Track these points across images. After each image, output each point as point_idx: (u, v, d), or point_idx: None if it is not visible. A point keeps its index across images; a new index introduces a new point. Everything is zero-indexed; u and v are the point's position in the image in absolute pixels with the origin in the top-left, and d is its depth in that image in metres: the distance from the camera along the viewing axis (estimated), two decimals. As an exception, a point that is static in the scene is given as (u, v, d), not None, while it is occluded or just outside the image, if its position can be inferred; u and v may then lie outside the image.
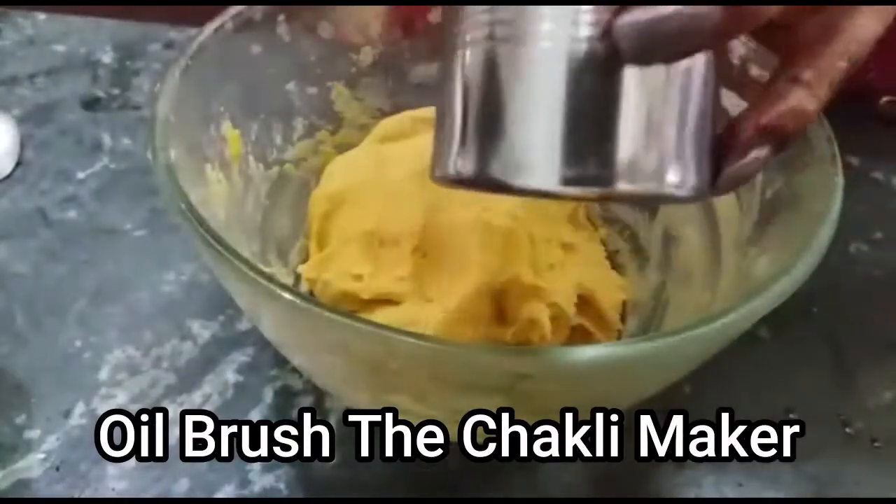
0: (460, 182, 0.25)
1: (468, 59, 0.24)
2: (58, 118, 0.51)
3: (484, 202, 0.37)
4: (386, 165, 0.39)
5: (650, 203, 0.40)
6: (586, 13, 0.22)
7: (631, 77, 0.22)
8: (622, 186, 0.23)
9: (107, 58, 0.55)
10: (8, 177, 0.47)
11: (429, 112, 0.41)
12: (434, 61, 0.42)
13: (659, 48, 0.22)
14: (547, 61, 0.22)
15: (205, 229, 0.27)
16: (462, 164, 0.24)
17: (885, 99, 0.53)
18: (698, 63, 0.23)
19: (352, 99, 0.42)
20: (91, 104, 0.52)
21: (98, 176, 0.48)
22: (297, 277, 0.39)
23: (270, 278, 0.26)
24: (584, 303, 0.37)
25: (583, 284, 0.37)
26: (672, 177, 0.23)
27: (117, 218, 0.46)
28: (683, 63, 0.23)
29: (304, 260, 0.40)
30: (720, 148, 0.25)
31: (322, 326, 0.25)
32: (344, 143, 0.42)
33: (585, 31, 0.22)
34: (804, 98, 0.25)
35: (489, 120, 0.23)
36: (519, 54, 0.23)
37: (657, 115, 0.23)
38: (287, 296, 0.25)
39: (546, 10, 0.22)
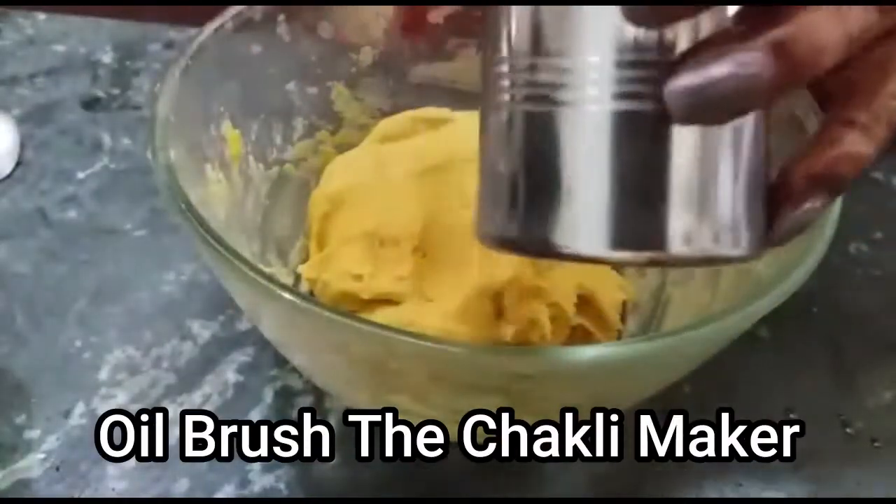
0: (504, 245, 0.24)
1: (510, 120, 0.23)
2: (58, 118, 0.51)
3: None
4: (386, 165, 0.39)
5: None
6: (633, 73, 0.21)
7: (680, 136, 0.21)
8: (675, 250, 0.22)
9: (107, 58, 0.55)
10: (8, 177, 0.47)
11: (429, 112, 0.41)
12: (434, 61, 0.42)
13: (711, 111, 0.21)
14: (593, 123, 0.21)
15: (205, 229, 0.27)
16: (506, 227, 0.23)
17: (885, 99, 0.53)
18: (749, 117, 0.22)
19: (352, 99, 0.42)
20: (91, 104, 0.52)
21: (98, 176, 0.48)
22: (297, 277, 0.39)
23: (270, 278, 0.26)
24: (584, 303, 0.37)
25: (583, 284, 0.37)
26: (727, 237, 0.22)
27: (117, 218, 0.46)
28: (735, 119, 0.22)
29: (304, 260, 0.40)
30: (773, 197, 0.24)
31: (322, 326, 0.25)
32: (344, 143, 0.42)
33: (632, 92, 0.21)
34: (859, 141, 0.23)
35: (534, 183, 0.22)
36: (563, 115, 0.21)
37: (709, 174, 0.22)
38: (287, 296, 0.25)
39: (592, 69, 0.21)
